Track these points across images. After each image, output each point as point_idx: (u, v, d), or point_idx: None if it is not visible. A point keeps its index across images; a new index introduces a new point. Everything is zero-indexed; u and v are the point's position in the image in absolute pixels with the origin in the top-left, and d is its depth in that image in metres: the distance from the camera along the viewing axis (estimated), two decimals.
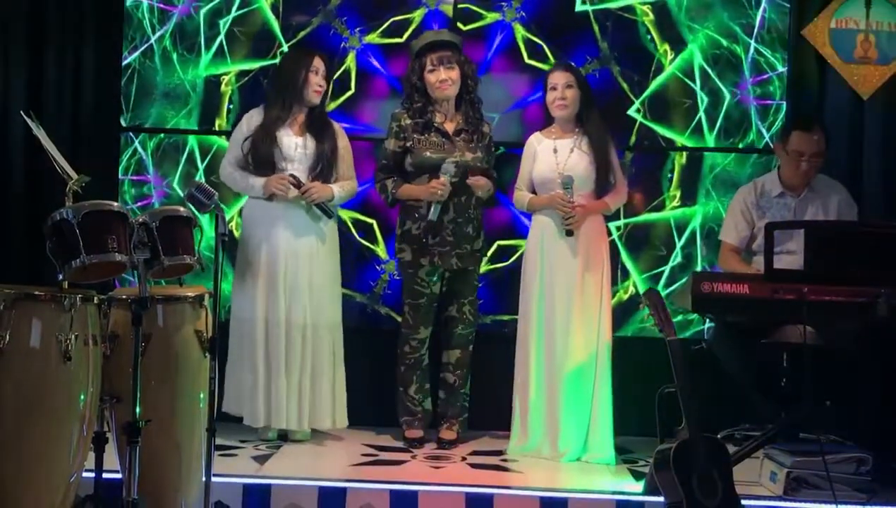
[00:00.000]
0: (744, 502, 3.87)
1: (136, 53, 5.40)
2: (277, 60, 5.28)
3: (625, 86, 5.35)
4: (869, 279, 4.04)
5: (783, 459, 4.18)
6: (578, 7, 5.36)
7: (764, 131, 5.32)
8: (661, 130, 5.37)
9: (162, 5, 5.41)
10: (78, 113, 5.38)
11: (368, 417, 5.14)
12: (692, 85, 5.35)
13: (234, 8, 5.40)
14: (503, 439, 4.83)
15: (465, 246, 4.82)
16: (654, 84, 5.36)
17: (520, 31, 5.38)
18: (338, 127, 4.98)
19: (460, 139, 4.85)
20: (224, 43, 5.41)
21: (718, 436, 4.16)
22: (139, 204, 5.38)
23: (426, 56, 4.84)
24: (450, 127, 4.87)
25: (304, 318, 4.77)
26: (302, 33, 5.41)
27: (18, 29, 5.30)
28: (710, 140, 5.36)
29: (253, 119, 4.89)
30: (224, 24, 5.39)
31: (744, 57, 5.34)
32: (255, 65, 5.41)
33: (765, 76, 5.35)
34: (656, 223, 5.38)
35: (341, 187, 4.86)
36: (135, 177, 5.43)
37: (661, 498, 3.85)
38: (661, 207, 5.37)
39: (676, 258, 5.35)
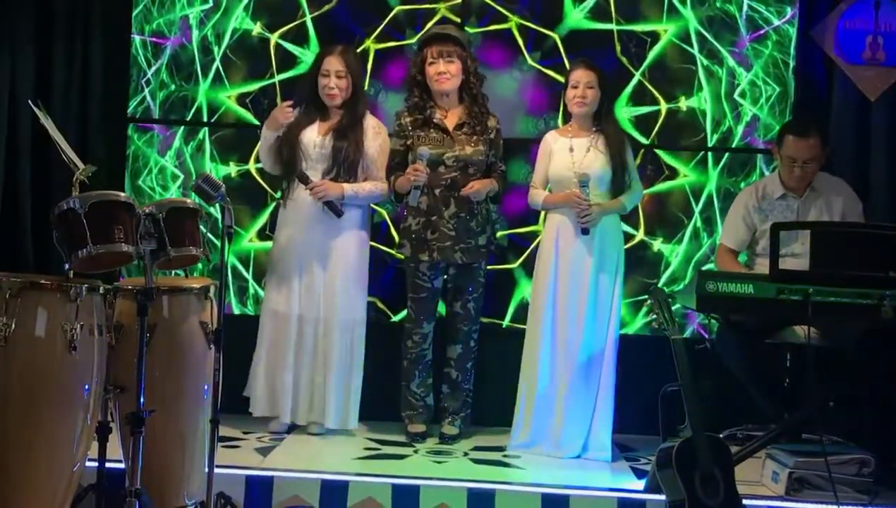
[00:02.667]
0: (745, 502, 3.88)
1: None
2: (275, 81, 5.34)
3: (624, 59, 5.34)
4: (874, 280, 4.04)
5: (785, 459, 4.18)
6: (573, 24, 5.37)
7: (766, 172, 5.29)
8: (667, 158, 5.36)
9: (155, 39, 5.42)
10: (85, 103, 5.39)
11: (371, 411, 5.15)
12: (690, 50, 5.34)
13: None
14: (505, 435, 4.83)
15: (469, 240, 4.81)
16: (653, 53, 5.35)
17: (514, 21, 5.38)
18: (374, 125, 4.91)
19: (461, 133, 4.84)
20: (221, 68, 5.42)
21: (721, 436, 4.17)
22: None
23: (428, 48, 4.84)
24: (451, 122, 4.86)
25: (310, 315, 4.78)
26: (327, 7, 5.40)
27: (27, 19, 5.30)
28: (714, 175, 5.35)
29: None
30: None
31: (738, 15, 5.33)
32: (253, 86, 5.41)
33: (761, 31, 5.33)
34: (672, 191, 5.37)
35: (360, 187, 4.80)
36: (141, 124, 5.44)
37: (663, 497, 3.86)
38: (674, 175, 5.37)
39: (696, 223, 5.34)
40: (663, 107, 5.35)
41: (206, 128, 5.43)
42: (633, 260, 5.24)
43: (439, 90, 4.84)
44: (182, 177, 5.41)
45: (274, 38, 5.39)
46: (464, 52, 4.85)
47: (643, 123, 5.36)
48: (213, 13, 5.41)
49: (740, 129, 5.34)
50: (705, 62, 5.34)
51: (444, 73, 4.80)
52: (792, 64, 5.32)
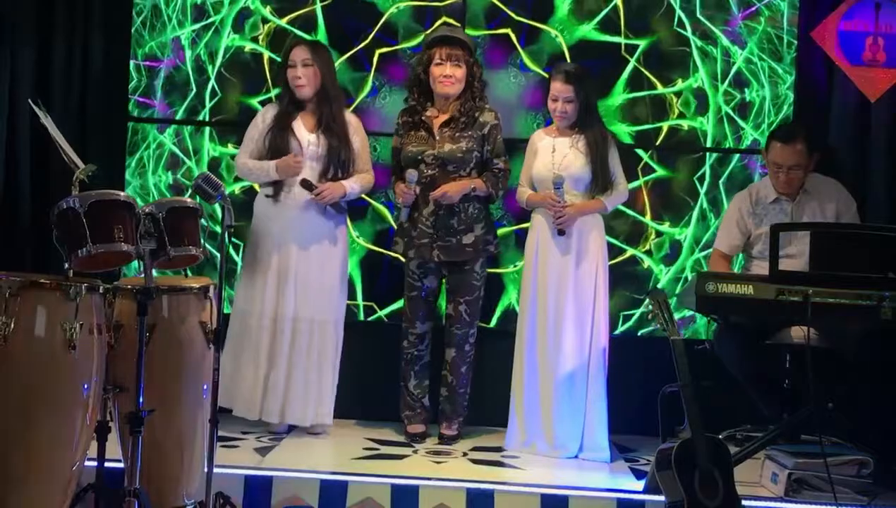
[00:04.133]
0: (745, 503, 3.88)
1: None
2: (271, 95, 5.32)
3: (624, 49, 5.36)
4: (874, 282, 4.04)
5: (785, 460, 4.18)
6: (582, 34, 5.38)
7: None
8: (665, 174, 5.38)
9: (148, 63, 5.42)
10: (85, 102, 5.39)
11: (370, 411, 5.15)
12: (684, 33, 5.34)
13: None
14: (504, 435, 4.83)
15: (448, 238, 4.78)
16: (647, 39, 5.35)
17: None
18: (354, 120, 4.95)
19: (446, 130, 4.81)
20: (216, 86, 5.42)
21: (720, 436, 4.17)
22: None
23: (436, 49, 4.83)
24: (439, 120, 4.84)
25: (305, 315, 4.77)
26: None
27: (27, 17, 5.30)
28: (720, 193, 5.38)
29: (268, 114, 4.91)
30: None
31: None
32: (250, 101, 5.41)
33: (752, 9, 5.33)
34: (676, 175, 5.36)
35: (355, 182, 4.84)
36: (141, 99, 5.44)
37: (662, 497, 3.85)
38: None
39: (702, 204, 5.34)
40: (665, 124, 5.35)
41: (207, 108, 5.42)
42: (622, 276, 5.26)
43: (442, 92, 4.82)
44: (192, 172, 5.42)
45: (275, 24, 5.40)
46: (470, 58, 4.85)
47: (645, 141, 5.35)
48: (204, 32, 5.41)
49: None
50: (699, 43, 5.34)
51: (450, 76, 4.79)
52: (786, 38, 5.31)
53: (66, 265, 3.31)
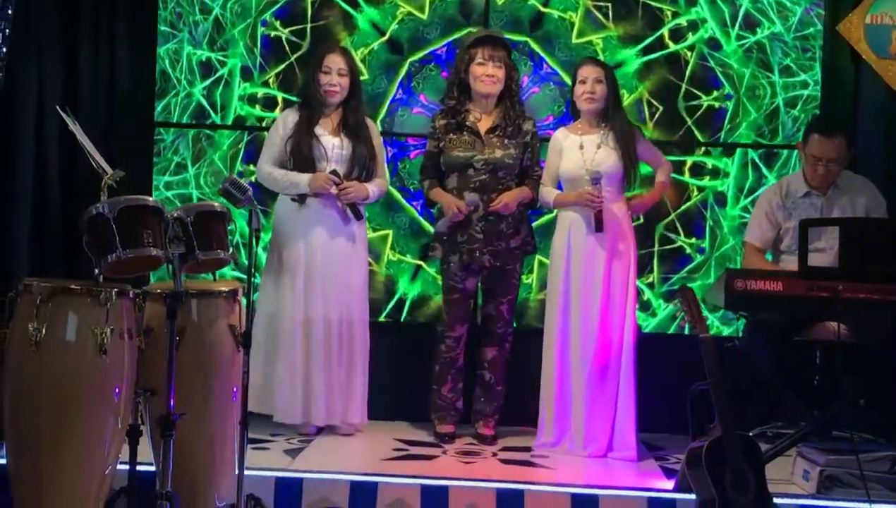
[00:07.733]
0: (776, 500, 3.86)
1: None
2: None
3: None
4: None
5: (816, 457, 4.16)
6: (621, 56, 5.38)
7: None
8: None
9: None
10: (112, 108, 5.43)
11: (400, 412, 5.16)
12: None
13: None
14: (533, 435, 4.82)
15: (498, 243, 4.80)
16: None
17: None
18: (372, 124, 4.98)
19: (493, 136, 4.83)
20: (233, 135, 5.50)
21: (751, 434, 4.15)
22: None
23: (478, 48, 4.83)
24: (484, 125, 4.85)
25: (334, 316, 4.78)
26: None
27: (53, 24, 5.34)
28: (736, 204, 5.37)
29: (288, 118, 4.90)
30: None
31: None
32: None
33: None
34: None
35: (376, 187, 4.87)
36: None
37: (693, 496, 3.84)
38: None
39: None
40: (689, 159, 5.39)
41: (238, 66, 5.47)
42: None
43: (483, 92, 4.83)
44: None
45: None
46: (510, 61, 4.86)
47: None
48: (215, 87, 5.46)
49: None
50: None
51: (493, 75, 4.80)
52: None
53: (97, 270, 3.33)
